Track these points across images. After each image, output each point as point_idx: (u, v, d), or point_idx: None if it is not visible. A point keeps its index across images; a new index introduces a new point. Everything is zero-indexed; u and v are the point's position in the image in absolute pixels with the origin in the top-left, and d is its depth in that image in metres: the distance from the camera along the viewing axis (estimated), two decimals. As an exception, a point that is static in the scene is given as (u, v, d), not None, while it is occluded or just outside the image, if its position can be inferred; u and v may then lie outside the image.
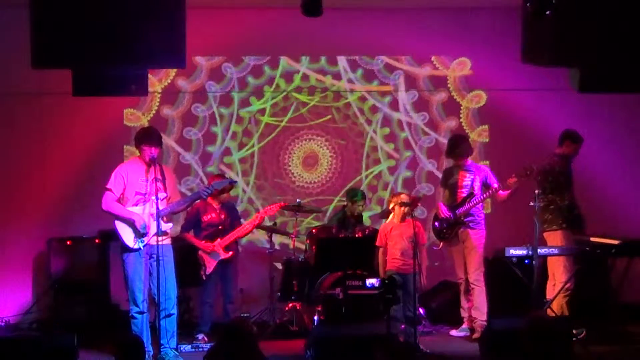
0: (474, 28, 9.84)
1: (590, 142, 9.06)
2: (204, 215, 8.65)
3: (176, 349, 7.65)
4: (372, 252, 8.44)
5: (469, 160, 8.71)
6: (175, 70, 9.56)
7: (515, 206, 8.60)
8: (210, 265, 8.51)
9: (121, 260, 7.57)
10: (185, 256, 8.33)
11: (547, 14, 5.84)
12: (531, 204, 8.03)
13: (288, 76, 10.03)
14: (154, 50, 5.84)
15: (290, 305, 8.89)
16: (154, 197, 7.40)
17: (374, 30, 9.85)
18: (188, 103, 9.95)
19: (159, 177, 7.52)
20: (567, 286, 8.36)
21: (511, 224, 9.10)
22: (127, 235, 7.50)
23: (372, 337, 6.65)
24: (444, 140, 10.00)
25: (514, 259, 8.26)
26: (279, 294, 8.96)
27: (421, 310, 8.73)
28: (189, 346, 8.16)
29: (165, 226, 7.52)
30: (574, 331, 7.69)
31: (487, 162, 9.78)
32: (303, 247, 9.39)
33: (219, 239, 8.57)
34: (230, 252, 8.61)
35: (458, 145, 8.70)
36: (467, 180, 8.62)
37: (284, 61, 10.02)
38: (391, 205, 8.26)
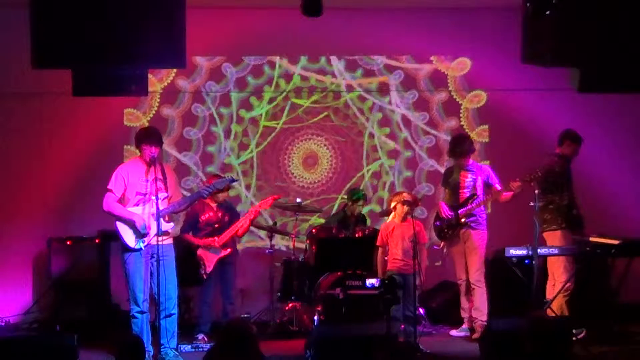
0: (474, 28, 9.84)
1: (590, 142, 9.06)
2: (202, 215, 8.66)
3: (176, 349, 7.65)
4: (372, 252, 8.44)
5: (471, 160, 8.71)
6: (175, 70, 9.56)
7: (515, 206, 8.60)
8: (209, 264, 8.51)
9: (122, 260, 7.57)
10: (185, 256, 8.33)
11: (547, 14, 5.84)
12: (531, 204, 8.03)
13: (288, 76, 10.03)
14: (154, 50, 5.84)
15: (290, 305, 8.89)
16: (154, 197, 7.40)
17: (374, 30, 9.85)
18: (188, 103, 9.95)
19: (160, 177, 7.53)
20: (567, 286, 8.37)
21: (511, 224, 9.10)
22: (128, 236, 7.50)
23: (372, 337, 6.65)
24: (444, 140, 10.02)
25: (514, 259, 8.28)
26: (279, 294, 8.96)
27: (421, 310, 8.74)
28: (189, 346, 8.16)
29: (166, 226, 7.52)
30: (574, 331, 7.68)
31: (487, 162, 9.78)
32: (303, 247, 9.39)
33: (216, 237, 8.57)
34: (228, 249, 8.61)
35: (459, 145, 8.70)
36: (469, 181, 8.62)
37: (284, 61, 10.02)
38: (392, 204, 8.25)
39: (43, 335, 8.54)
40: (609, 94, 8.19)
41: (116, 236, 7.67)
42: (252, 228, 9.19)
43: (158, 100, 9.89)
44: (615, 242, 8.22)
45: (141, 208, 7.51)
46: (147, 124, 9.61)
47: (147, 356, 7.39)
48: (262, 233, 9.64)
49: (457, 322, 8.78)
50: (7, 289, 9.41)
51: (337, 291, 8.18)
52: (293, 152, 10.06)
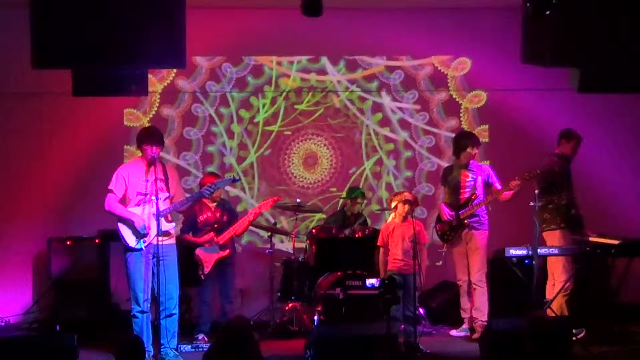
0: (474, 28, 9.84)
1: (590, 142, 9.07)
2: (200, 215, 8.66)
3: (176, 349, 7.65)
4: (372, 252, 8.44)
5: (472, 160, 8.72)
6: (175, 70, 9.56)
7: (515, 206, 8.60)
8: (208, 265, 8.51)
9: (124, 260, 7.58)
10: (183, 257, 8.32)
11: (547, 14, 5.84)
12: (531, 204, 8.03)
13: (288, 76, 10.03)
14: (154, 50, 5.84)
15: (290, 305, 8.89)
16: (154, 197, 7.40)
17: (374, 30, 9.85)
18: (188, 103, 9.95)
19: (161, 176, 7.54)
20: (566, 286, 8.37)
21: (511, 224, 9.10)
22: (129, 236, 7.51)
23: (372, 337, 6.65)
24: (445, 140, 10.02)
25: (514, 259, 8.28)
26: (279, 294, 8.96)
27: (421, 310, 8.73)
28: (189, 346, 8.16)
29: (167, 226, 7.52)
30: (574, 331, 7.68)
31: (487, 162, 9.78)
32: (303, 247, 9.39)
33: (213, 234, 8.57)
34: (227, 250, 8.61)
35: (456, 142, 8.72)
36: (470, 180, 8.62)
37: (284, 61, 10.02)
38: (393, 204, 8.24)
39: (43, 335, 8.55)
40: (609, 94, 8.19)
41: (116, 236, 7.67)
42: (252, 228, 9.18)
43: (158, 100, 9.89)
44: (615, 242, 8.22)
45: (141, 208, 7.51)
46: (147, 124, 9.61)
47: (147, 356, 7.41)
48: (263, 233, 9.63)
49: (457, 322, 8.78)
50: (7, 289, 9.41)
51: (337, 291, 8.18)
52: (293, 153, 10.06)
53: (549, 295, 8.43)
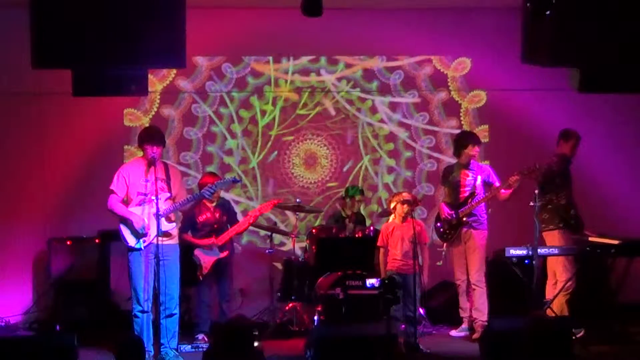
0: (474, 28, 9.84)
1: (590, 142, 9.07)
2: (199, 216, 8.65)
3: (176, 349, 7.65)
4: (372, 252, 8.44)
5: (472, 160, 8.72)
6: (175, 70, 9.56)
7: (515, 206, 8.61)
8: (206, 265, 8.51)
9: (126, 260, 7.59)
10: (182, 256, 8.32)
11: (547, 14, 5.84)
12: (531, 203, 8.04)
13: (285, 79, 10.04)
14: (154, 50, 5.84)
15: (290, 305, 8.89)
16: (154, 197, 7.41)
17: (374, 30, 9.85)
18: (188, 103, 9.95)
19: (162, 176, 7.55)
20: (567, 285, 8.37)
21: (511, 224, 9.10)
22: (129, 235, 7.55)
23: (372, 337, 6.65)
24: (445, 140, 10.02)
25: (514, 259, 8.28)
26: (279, 294, 8.96)
27: (421, 310, 8.73)
28: (189, 346, 8.17)
29: (167, 226, 7.52)
30: (573, 330, 7.69)
31: (487, 162, 9.78)
32: (303, 247, 9.39)
33: (213, 238, 8.57)
34: (226, 252, 8.61)
35: (457, 141, 8.74)
36: (470, 179, 8.63)
37: (284, 61, 10.02)
38: (392, 205, 8.25)
39: (43, 335, 8.54)
40: (609, 94, 8.19)
41: (116, 236, 7.70)
42: (252, 228, 9.17)
43: (158, 100, 9.89)
44: (615, 242, 8.22)
45: (142, 208, 7.52)
46: (147, 124, 9.61)
47: (147, 356, 7.41)
48: (263, 233, 9.63)
49: (457, 322, 8.79)
50: (7, 289, 9.41)
51: (337, 291, 8.17)
52: (293, 153, 10.05)
53: (549, 295, 8.43)
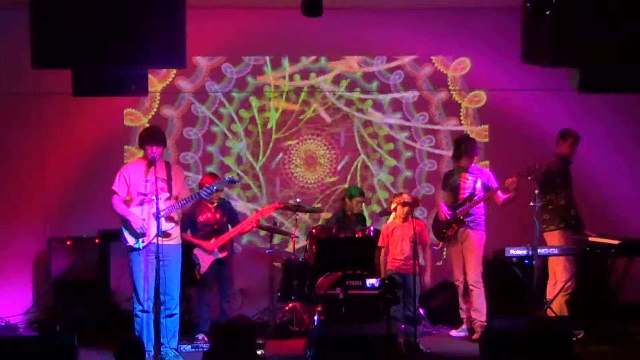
0: (474, 28, 9.83)
1: (590, 142, 9.07)
2: (199, 215, 8.66)
3: (176, 349, 7.66)
4: (372, 252, 8.44)
5: (472, 163, 8.72)
6: (175, 70, 9.56)
7: (515, 206, 8.60)
8: (204, 265, 8.51)
9: (128, 259, 7.63)
10: (182, 257, 8.33)
11: (547, 14, 5.84)
12: (531, 204, 8.04)
13: (288, 76, 10.03)
14: (154, 50, 5.84)
15: (290, 305, 8.89)
16: (154, 197, 7.41)
17: (374, 30, 9.85)
18: (188, 103, 9.95)
19: (163, 176, 7.55)
20: (567, 286, 8.37)
21: (511, 224, 9.10)
22: (128, 235, 7.59)
23: (372, 337, 6.65)
24: (445, 140, 10.02)
25: (514, 259, 8.28)
26: (279, 294, 8.96)
27: (421, 311, 8.74)
28: (189, 346, 8.17)
29: (167, 226, 7.52)
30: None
31: (487, 162, 9.79)
32: (303, 247, 9.40)
33: (214, 239, 8.58)
34: (225, 252, 8.61)
35: (459, 147, 8.73)
36: (469, 183, 8.64)
37: (284, 61, 10.02)
38: (393, 206, 8.25)
39: (43, 335, 8.55)
40: (609, 94, 8.19)
41: (116, 236, 7.73)
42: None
43: (158, 100, 9.89)
44: (615, 242, 8.22)
45: (142, 208, 7.54)
46: (147, 124, 9.61)
47: (147, 356, 7.42)
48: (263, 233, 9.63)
49: (457, 322, 8.79)
50: (7, 289, 9.41)
51: (337, 291, 8.17)
52: (293, 154, 10.05)
53: (549, 295, 8.43)
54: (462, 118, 10.14)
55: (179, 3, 5.87)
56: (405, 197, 8.26)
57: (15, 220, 9.48)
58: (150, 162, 7.54)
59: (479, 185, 8.61)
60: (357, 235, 9.01)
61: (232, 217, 8.89)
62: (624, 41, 5.90)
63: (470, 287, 8.54)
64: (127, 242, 7.57)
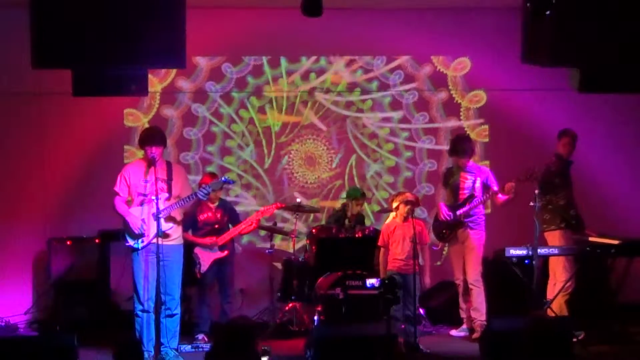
0: (474, 28, 9.84)
1: (590, 142, 9.07)
2: (200, 214, 8.66)
3: (176, 349, 7.66)
4: (372, 252, 8.44)
5: (470, 161, 8.71)
6: (175, 70, 9.56)
7: (515, 206, 8.60)
8: (205, 264, 8.51)
9: (129, 259, 7.65)
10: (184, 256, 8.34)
11: (547, 14, 5.84)
12: (531, 204, 8.05)
13: (288, 76, 10.03)
14: (154, 50, 5.84)
15: (290, 305, 8.89)
16: (154, 198, 7.41)
17: (374, 30, 9.85)
18: (188, 103, 9.95)
19: (163, 177, 7.55)
20: (567, 286, 8.37)
21: (511, 224, 9.10)
22: (128, 235, 7.58)
23: (372, 337, 6.65)
24: (444, 140, 10.02)
25: (514, 259, 8.28)
26: (279, 294, 8.96)
27: (421, 310, 8.74)
28: (189, 346, 8.17)
29: (165, 226, 7.52)
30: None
31: (487, 162, 9.79)
32: (303, 246, 9.40)
33: (214, 238, 8.57)
34: (226, 252, 8.61)
35: (457, 144, 8.73)
36: (469, 182, 8.64)
37: (284, 61, 10.03)
38: (395, 204, 8.25)
39: (43, 335, 8.55)
40: (609, 94, 8.19)
41: (116, 236, 7.73)
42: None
43: (158, 100, 9.89)
44: (615, 242, 8.22)
45: (141, 208, 7.55)
46: (147, 124, 9.61)
47: (147, 356, 7.43)
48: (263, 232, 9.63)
49: (457, 322, 8.79)
50: (7, 289, 9.41)
51: (337, 291, 8.17)
52: (293, 154, 10.06)
53: (550, 295, 8.43)
54: (462, 118, 10.14)
55: (179, 3, 5.87)
56: (408, 196, 8.26)
57: (15, 220, 9.49)
58: (150, 163, 7.54)
59: (478, 184, 8.61)
60: (357, 235, 9.02)
61: (233, 216, 8.89)
62: (624, 41, 5.90)
63: (470, 286, 8.55)
64: (127, 242, 7.59)
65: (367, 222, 9.55)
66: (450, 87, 10.13)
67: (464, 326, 8.72)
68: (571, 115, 9.49)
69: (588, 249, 8.34)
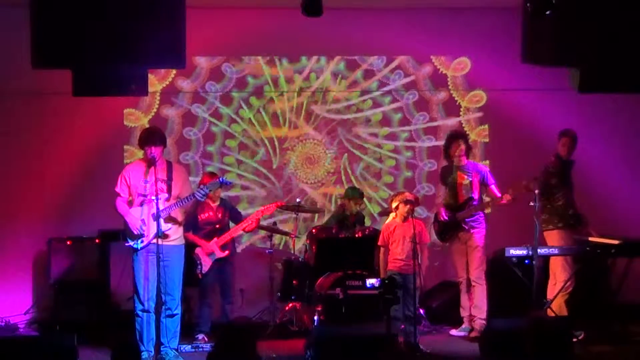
0: (474, 28, 9.84)
1: (590, 142, 9.07)
2: (201, 214, 8.66)
3: (176, 349, 7.66)
4: (372, 252, 8.44)
5: (466, 160, 8.72)
6: (175, 70, 9.56)
7: (515, 206, 8.60)
8: (206, 264, 8.51)
9: (130, 259, 7.65)
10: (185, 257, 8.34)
11: (547, 14, 5.84)
12: (531, 203, 8.05)
13: (288, 76, 10.04)
14: (154, 50, 5.85)
15: (290, 305, 8.89)
16: (154, 198, 7.41)
17: (374, 30, 9.85)
18: (188, 103, 9.95)
19: (163, 177, 7.55)
20: (566, 285, 8.37)
21: (511, 224, 9.10)
22: (129, 235, 7.58)
23: (372, 337, 6.66)
24: (444, 141, 10.02)
25: (514, 259, 8.28)
26: (279, 294, 8.96)
27: (421, 311, 8.74)
28: (189, 346, 8.16)
29: (165, 227, 7.52)
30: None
31: (487, 162, 9.79)
32: (303, 246, 9.40)
33: (215, 238, 8.58)
34: (227, 251, 8.61)
35: (446, 145, 8.73)
36: (466, 182, 8.64)
37: (284, 61, 10.03)
38: (394, 205, 8.25)
39: (43, 335, 8.55)
40: (609, 94, 8.19)
41: (116, 236, 7.71)
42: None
43: (158, 100, 9.89)
44: (615, 242, 8.22)
45: (141, 209, 7.55)
46: (147, 124, 9.62)
47: (147, 356, 7.43)
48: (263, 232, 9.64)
49: (457, 322, 8.78)
50: (7, 289, 9.41)
51: (337, 291, 8.17)
52: (294, 155, 10.06)
53: (550, 294, 8.43)
54: (462, 118, 10.14)
55: (179, 3, 5.88)
56: (408, 196, 8.26)
57: (15, 220, 9.49)
58: (150, 163, 7.54)
59: (475, 183, 8.61)
60: (357, 235, 9.02)
61: (235, 215, 8.89)
62: (624, 41, 5.90)
63: (473, 283, 8.56)
64: (127, 242, 7.59)
65: (368, 222, 9.55)
66: (450, 87, 10.13)
67: (464, 326, 8.71)
68: (571, 115, 9.49)
69: (588, 249, 8.34)
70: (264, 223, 9.51)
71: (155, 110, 9.90)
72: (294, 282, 8.87)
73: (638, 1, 5.97)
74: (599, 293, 8.84)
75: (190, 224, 8.64)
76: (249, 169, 10.01)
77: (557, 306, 8.32)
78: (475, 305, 8.56)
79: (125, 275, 8.08)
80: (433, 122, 10.13)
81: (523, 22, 5.99)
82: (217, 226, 8.67)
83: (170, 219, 7.55)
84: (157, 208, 7.38)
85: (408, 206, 8.13)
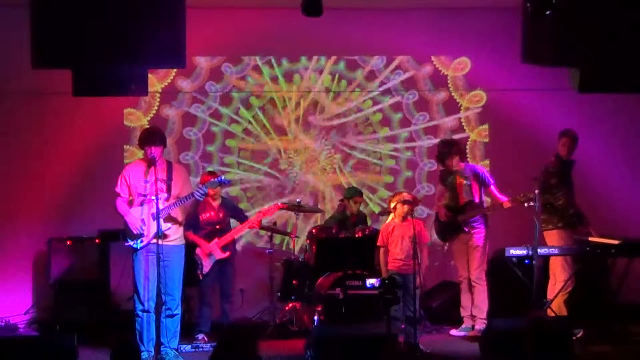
0: (474, 28, 9.83)
1: (590, 142, 9.06)
2: (202, 213, 8.65)
3: (176, 349, 7.66)
4: (372, 252, 8.44)
5: (463, 164, 8.73)
6: (175, 70, 9.56)
7: (515, 206, 8.60)
8: (207, 265, 8.51)
9: (130, 259, 7.65)
10: (186, 257, 8.33)
11: (547, 14, 5.84)
12: (531, 203, 8.04)
13: (288, 76, 10.04)
14: (154, 50, 5.85)
15: (290, 305, 8.89)
16: (154, 198, 7.41)
17: (374, 30, 9.85)
18: (188, 103, 9.95)
19: (163, 177, 7.55)
20: (566, 285, 8.37)
21: (511, 224, 9.10)
22: (129, 235, 7.58)
23: (372, 337, 6.65)
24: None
25: (514, 259, 8.29)
26: (279, 294, 8.96)
27: (421, 311, 8.73)
28: (189, 346, 8.17)
29: (165, 227, 7.52)
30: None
31: (487, 162, 9.79)
32: (303, 247, 9.40)
33: (216, 238, 8.58)
34: (227, 252, 8.61)
35: (441, 157, 8.72)
36: (466, 186, 8.66)
37: (284, 61, 10.03)
38: (392, 204, 8.25)
39: (43, 335, 8.55)
40: (609, 94, 8.19)
41: (116, 236, 7.72)
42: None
43: (158, 100, 9.89)
44: (615, 242, 8.22)
45: (141, 209, 7.55)
46: (147, 124, 9.62)
47: (147, 356, 7.43)
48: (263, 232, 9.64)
49: (457, 322, 8.79)
50: (7, 289, 9.41)
51: (337, 291, 8.17)
52: (294, 155, 10.07)
53: (550, 294, 8.43)
54: (462, 118, 10.14)
55: (179, 3, 5.88)
56: (405, 196, 8.26)
57: (15, 220, 9.49)
58: (150, 163, 7.53)
59: (475, 186, 8.63)
60: (357, 235, 9.02)
61: (238, 213, 8.89)
62: (624, 41, 5.90)
63: (473, 283, 8.57)
64: (127, 242, 7.59)
65: (369, 223, 9.54)
66: (450, 87, 10.12)
67: (465, 325, 8.71)
68: (571, 115, 9.49)
69: (588, 249, 8.34)
70: (264, 223, 9.52)
71: (155, 110, 9.90)
72: (294, 282, 8.88)
73: (638, 1, 5.97)
74: (599, 293, 8.84)
75: (191, 223, 8.64)
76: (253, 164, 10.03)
77: (557, 306, 8.33)
78: (476, 305, 8.56)
79: (125, 275, 8.08)
80: (433, 121, 10.13)
81: (523, 22, 6.00)
82: (218, 227, 8.67)
83: (170, 219, 7.55)
84: (157, 208, 7.38)
85: (406, 206, 8.13)
